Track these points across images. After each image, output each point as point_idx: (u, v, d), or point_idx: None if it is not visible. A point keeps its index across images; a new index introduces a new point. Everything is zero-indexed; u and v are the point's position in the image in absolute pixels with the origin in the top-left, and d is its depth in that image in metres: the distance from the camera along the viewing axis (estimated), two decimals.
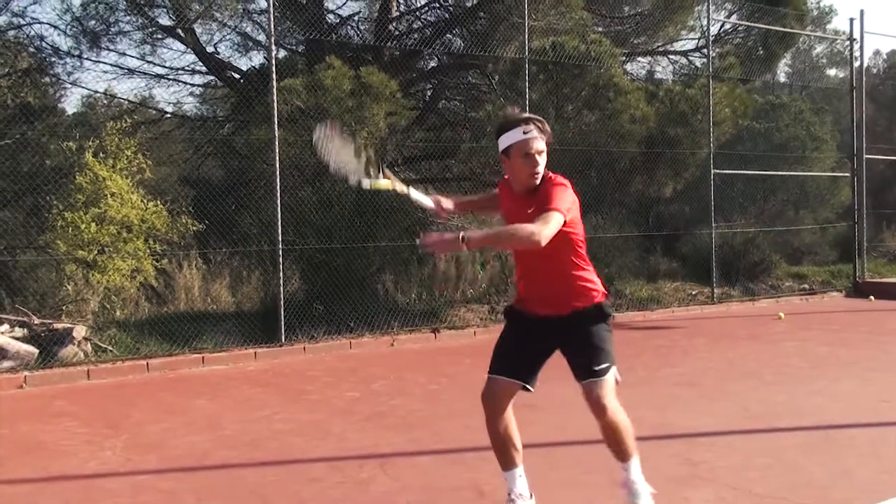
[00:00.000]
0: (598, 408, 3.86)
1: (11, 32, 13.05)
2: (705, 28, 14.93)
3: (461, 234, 3.61)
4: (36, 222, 10.45)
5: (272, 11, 10.26)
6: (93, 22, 13.41)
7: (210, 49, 14.39)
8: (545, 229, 3.65)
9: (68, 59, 13.47)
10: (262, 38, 14.72)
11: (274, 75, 9.99)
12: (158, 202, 10.58)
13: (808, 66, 34.52)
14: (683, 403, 6.86)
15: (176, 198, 11.62)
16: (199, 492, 4.86)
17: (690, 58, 17.40)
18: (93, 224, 9.88)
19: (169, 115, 15.89)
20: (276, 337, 9.93)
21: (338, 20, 15.07)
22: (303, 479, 5.01)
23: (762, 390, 7.31)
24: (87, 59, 13.53)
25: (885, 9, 52.14)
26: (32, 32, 13.28)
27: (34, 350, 8.65)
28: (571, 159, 12.85)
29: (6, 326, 9.08)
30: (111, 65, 13.87)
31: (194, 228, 10.83)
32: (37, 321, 9.19)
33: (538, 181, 3.92)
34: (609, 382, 3.90)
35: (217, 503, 4.65)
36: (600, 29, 15.20)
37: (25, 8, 13.13)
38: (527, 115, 4.02)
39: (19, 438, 6.13)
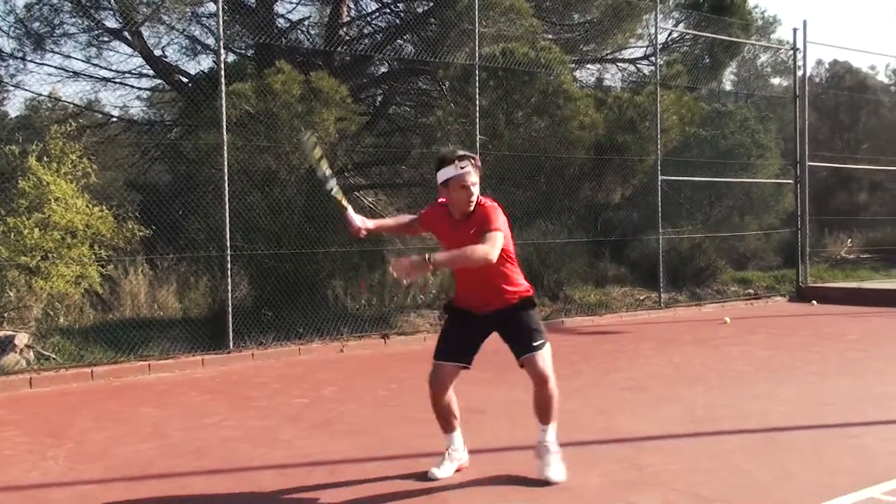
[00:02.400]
0: (541, 377, 4.77)
1: None
2: (653, 36, 15.17)
3: (427, 255, 4.37)
4: None
5: (221, 15, 10.15)
6: (37, 24, 13.20)
7: (158, 52, 14.22)
8: (493, 249, 4.55)
9: (11, 61, 13.26)
10: (210, 41, 14.59)
11: (223, 79, 9.90)
12: (104, 207, 10.41)
13: (753, 74, 35.08)
14: (631, 407, 6.93)
15: (122, 203, 11.45)
16: (144, 501, 4.79)
17: (638, 65, 17.62)
18: (36, 229, 9.69)
19: (115, 119, 15.66)
20: (224, 343, 9.83)
21: (288, 24, 14.99)
22: (250, 487, 4.97)
23: (707, 394, 7.42)
24: (30, 61, 13.32)
25: (827, 19, 53.31)
26: None
27: None
28: (521, 165, 12.94)
29: None
30: (56, 67, 13.66)
31: (141, 234, 10.67)
32: None
33: (472, 207, 4.73)
34: (547, 354, 4.83)
35: None
36: (550, 36, 15.33)
37: None
38: (461, 152, 4.78)
39: None
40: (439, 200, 4.94)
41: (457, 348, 4.91)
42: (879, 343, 10.43)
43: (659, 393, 7.57)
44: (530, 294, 4.96)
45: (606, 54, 17.31)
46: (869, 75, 32.32)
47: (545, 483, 4.78)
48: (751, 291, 16.07)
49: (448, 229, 4.85)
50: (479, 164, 4.78)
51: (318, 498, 4.75)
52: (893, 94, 30.42)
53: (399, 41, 14.65)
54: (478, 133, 11.88)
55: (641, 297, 14.54)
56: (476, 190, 4.72)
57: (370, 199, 15.09)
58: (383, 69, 15.77)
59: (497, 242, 4.58)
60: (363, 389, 8.06)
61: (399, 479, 5.03)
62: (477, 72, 12.01)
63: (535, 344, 4.78)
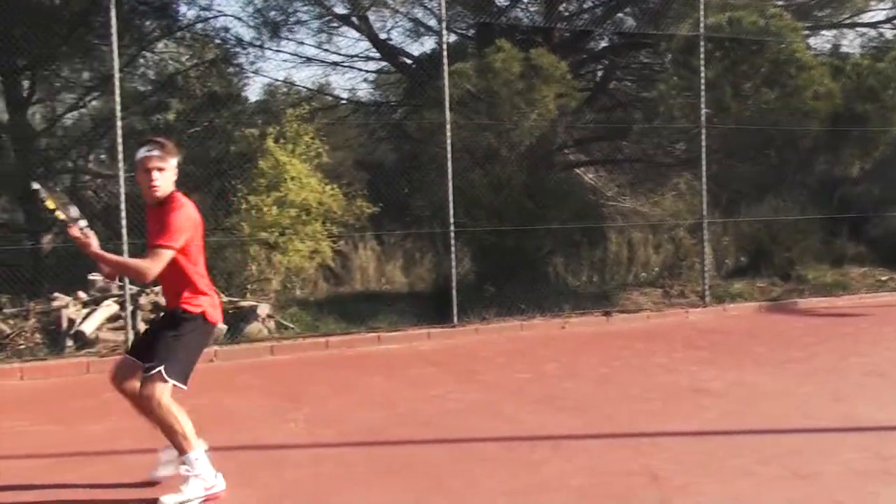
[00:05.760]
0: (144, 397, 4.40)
1: (199, 25, 13.82)
2: None
3: (96, 246, 4.36)
4: (222, 205, 11.00)
5: None
6: (273, 12, 14.01)
7: (383, 36, 14.75)
8: (153, 267, 4.39)
9: (251, 50, 14.15)
10: (433, 23, 14.93)
11: (445, 60, 10.09)
12: (335, 185, 10.94)
13: None
14: (873, 394, 6.49)
15: (351, 181, 12.00)
16: (374, 466, 4.99)
17: (880, 29, 16.40)
18: (274, 207, 10.33)
19: (344, 102, 16.40)
20: (448, 318, 10.07)
21: (507, 3, 15.06)
22: (474, 458, 5.07)
23: None
24: (268, 48, 14.16)
25: None
26: (218, 24, 14.02)
27: (223, 326, 9.12)
28: (749, 139, 12.40)
29: None
30: (290, 54, 14.51)
31: (369, 211, 11.14)
32: (224, 299, 9.68)
33: (157, 193, 4.48)
34: (157, 380, 4.34)
35: (392, 478, 4.77)
36: (780, 2, 14.54)
37: (211, 1, 13.82)
38: (154, 137, 4.67)
39: (211, 409, 6.48)
40: None
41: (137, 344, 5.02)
42: None
43: None
44: (183, 310, 4.58)
45: (844, 19, 16.22)
46: None
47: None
48: None
49: (148, 215, 4.62)
50: (171, 149, 4.54)
51: (540, 472, 4.78)
52: None
53: (619, 14, 14.37)
54: (703, 106, 11.48)
55: (884, 279, 13.59)
56: (161, 176, 4.46)
57: (591, 176, 14.96)
58: (603, 44, 15.54)
59: (161, 260, 4.39)
60: (585, 366, 8.03)
61: (622, 457, 4.98)
62: (701, 43, 11.58)
63: (147, 365, 4.40)
